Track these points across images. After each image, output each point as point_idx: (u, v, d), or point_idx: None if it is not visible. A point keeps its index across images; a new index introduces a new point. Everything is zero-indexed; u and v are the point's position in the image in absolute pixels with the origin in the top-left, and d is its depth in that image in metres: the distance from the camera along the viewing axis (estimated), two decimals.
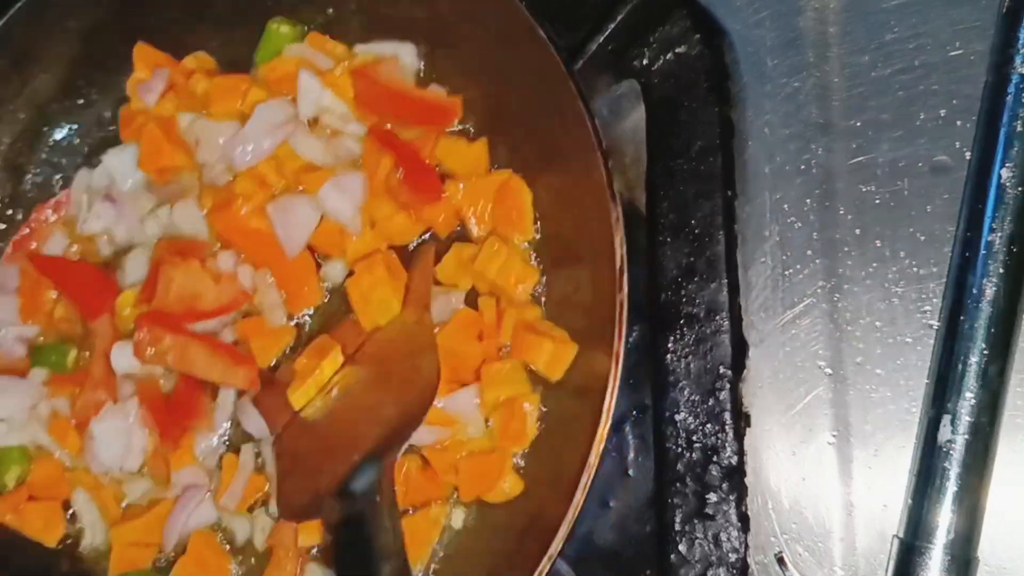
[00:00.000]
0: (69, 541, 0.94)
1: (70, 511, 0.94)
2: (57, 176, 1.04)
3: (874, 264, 0.87)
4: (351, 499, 0.80)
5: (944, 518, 0.73)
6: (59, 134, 1.04)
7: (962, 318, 0.75)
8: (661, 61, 0.93)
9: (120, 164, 1.00)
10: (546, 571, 0.75)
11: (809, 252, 0.89)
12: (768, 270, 0.90)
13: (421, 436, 0.88)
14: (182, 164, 0.98)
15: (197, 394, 0.93)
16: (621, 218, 0.78)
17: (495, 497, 0.87)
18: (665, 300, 0.88)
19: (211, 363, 0.92)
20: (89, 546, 0.94)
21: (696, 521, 0.84)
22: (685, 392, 0.86)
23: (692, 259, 0.88)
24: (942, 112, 0.87)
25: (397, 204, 0.93)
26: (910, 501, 0.76)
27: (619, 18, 0.91)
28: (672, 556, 0.84)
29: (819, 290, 0.88)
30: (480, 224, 0.93)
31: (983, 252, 0.75)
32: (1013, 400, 0.79)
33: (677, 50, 0.93)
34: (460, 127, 0.97)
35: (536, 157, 0.92)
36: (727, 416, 0.85)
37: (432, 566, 0.89)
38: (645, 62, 0.93)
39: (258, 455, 0.93)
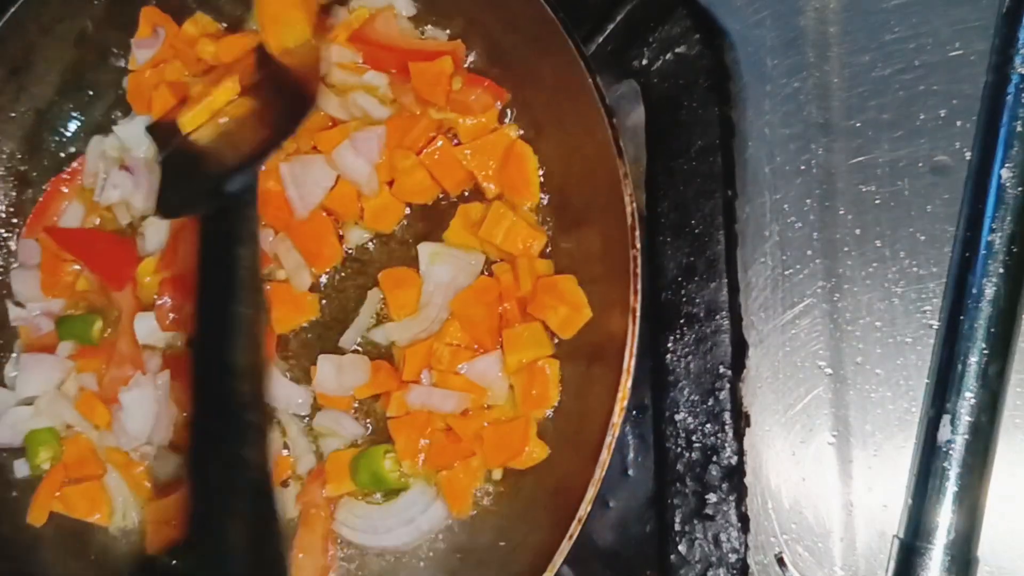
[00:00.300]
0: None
1: None
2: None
3: (874, 264, 0.87)
4: (223, 197, 0.85)
5: (944, 518, 0.73)
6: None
7: (962, 318, 0.75)
8: (661, 61, 0.93)
9: (132, 132, 1.00)
10: (576, 535, 0.75)
11: (809, 252, 0.89)
12: (768, 270, 0.90)
13: (444, 402, 0.88)
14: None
15: None
16: (629, 174, 0.78)
17: (520, 463, 0.86)
18: (665, 300, 0.88)
19: None
20: (120, 526, 0.95)
21: (696, 521, 0.84)
22: (685, 392, 0.86)
23: (692, 259, 0.88)
24: (942, 112, 0.87)
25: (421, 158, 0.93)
26: (910, 501, 0.76)
27: (619, 18, 0.91)
28: (672, 556, 0.84)
29: (819, 290, 0.88)
30: (490, 184, 0.93)
31: (983, 252, 0.75)
32: (1013, 400, 0.79)
33: (677, 50, 0.92)
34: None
35: (539, 113, 0.92)
36: (727, 416, 0.85)
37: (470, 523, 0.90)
38: (645, 62, 0.93)
39: (283, 434, 0.94)
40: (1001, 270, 0.74)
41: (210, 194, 0.86)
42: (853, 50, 0.91)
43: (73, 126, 1.04)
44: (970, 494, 0.73)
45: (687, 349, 0.87)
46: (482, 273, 0.92)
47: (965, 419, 0.73)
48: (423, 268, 0.92)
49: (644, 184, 0.92)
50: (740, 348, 0.87)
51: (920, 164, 0.87)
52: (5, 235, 1.03)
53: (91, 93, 1.04)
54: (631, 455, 0.91)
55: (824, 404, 0.86)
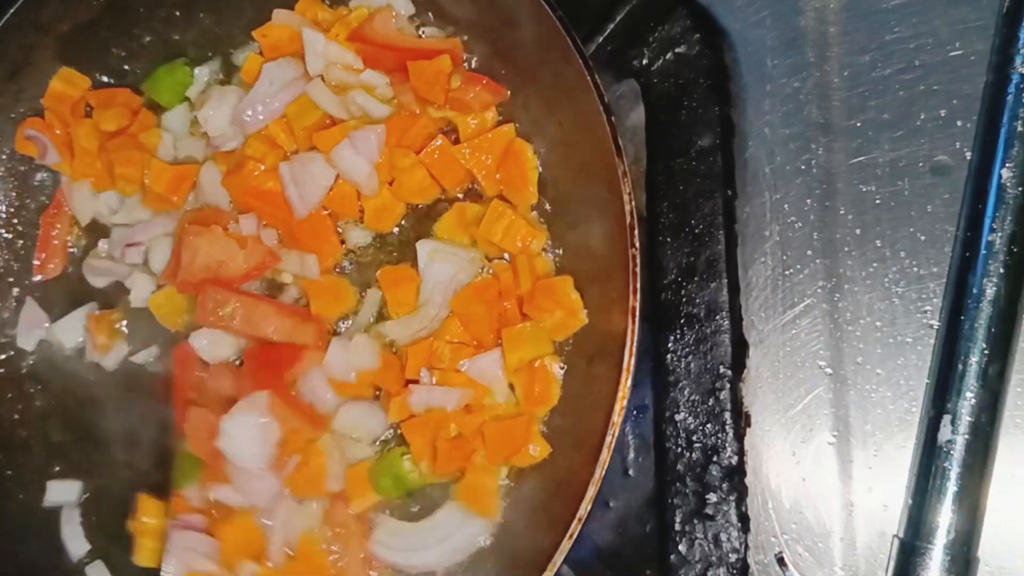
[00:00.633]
0: None
1: None
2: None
3: (874, 264, 0.87)
4: None
5: (944, 518, 0.73)
6: None
7: (962, 318, 0.75)
8: (661, 61, 0.93)
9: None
10: (576, 534, 0.75)
11: (809, 252, 0.89)
12: (768, 270, 0.90)
13: (446, 399, 0.88)
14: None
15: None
16: (628, 173, 0.78)
17: (523, 461, 0.87)
18: (665, 300, 0.88)
19: (280, 322, 0.90)
20: None
21: (696, 521, 0.84)
22: (685, 392, 0.86)
23: (692, 259, 0.88)
24: (942, 112, 0.87)
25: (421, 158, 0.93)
26: (910, 501, 0.75)
27: (619, 18, 0.91)
28: (672, 556, 0.84)
29: (819, 290, 0.88)
30: (488, 182, 0.93)
31: (983, 252, 0.74)
32: (1013, 400, 0.80)
33: (677, 50, 0.92)
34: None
35: (538, 112, 0.92)
36: (727, 416, 0.85)
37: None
38: (645, 62, 0.93)
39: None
40: (1001, 270, 0.74)
41: None
42: (853, 50, 0.91)
43: None
44: (970, 494, 0.73)
45: (687, 349, 0.87)
46: (482, 271, 0.92)
47: (965, 419, 0.73)
48: (422, 266, 0.92)
49: (644, 184, 0.92)
50: (740, 348, 0.87)
51: (920, 164, 0.87)
52: (6, 235, 1.03)
53: None
54: (631, 455, 0.91)
55: (824, 404, 0.86)
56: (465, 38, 0.96)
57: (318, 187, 0.94)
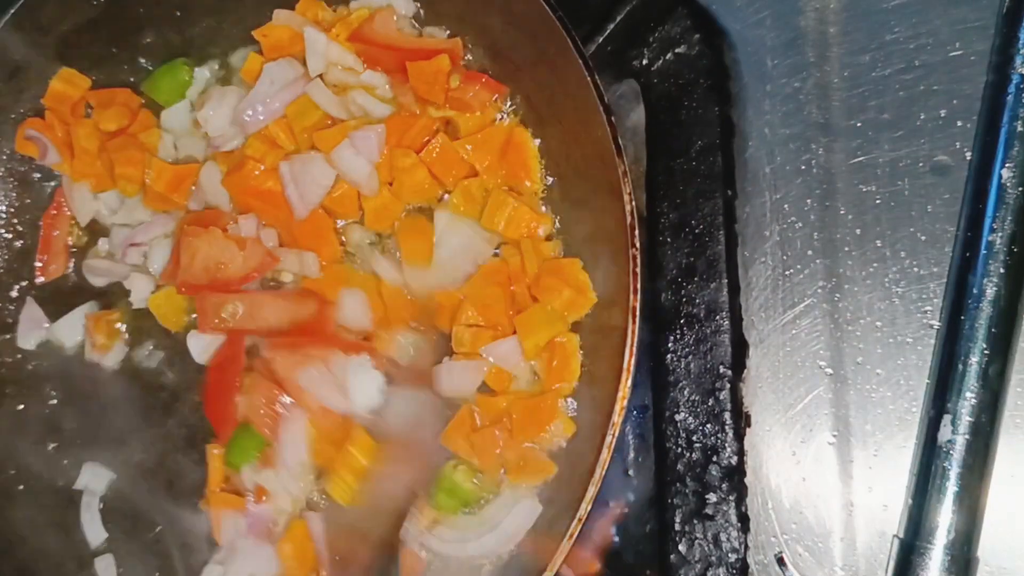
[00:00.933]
0: None
1: None
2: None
3: (874, 264, 0.87)
4: None
5: (944, 518, 0.73)
6: None
7: (962, 318, 0.75)
8: (661, 61, 0.93)
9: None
10: (576, 534, 0.75)
11: (809, 252, 0.89)
12: (768, 270, 0.90)
13: (465, 376, 0.88)
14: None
15: None
16: (628, 172, 0.78)
17: (546, 441, 0.86)
18: (665, 300, 0.88)
19: (281, 307, 0.91)
20: None
21: (696, 521, 0.84)
22: (685, 392, 0.86)
23: (692, 259, 0.88)
24: (942, 112, 0.87)
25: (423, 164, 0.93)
26: (910, 501, 0.76)
27: (619, 18, 0.91)
28: (672, 556, 0.84)
29: (819, 290, 0.88)
30: (491, 176, 0.93)
31: (984, 252, 0.75)
32: (1013, 400, 0.79)
33: (677, 50, 0.92)
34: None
35: (538, 111, 0.92)
36: (727, 416, 0.85)
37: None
38: (645, 62, 0.93)
39: None
40: (1002, 270, 0.74)
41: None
42: (853, 50, 0.91)
43: None
44: (970, 494, 0.73)
45: (687, 349, 0.87)
46: (497, 249, 0.92)
47: (965, 419, 0.73)
48: (438, 234, 0.92)
49: (644, 184, 0.92)
50: (740, 348, 0.87)
51: (920, 164, 0.87)
52: (6, 235, 1.03)
53: None
54: (631, 455, 0.91)
55: (824, 404, 0.86)
56: (465, 38, 0.96)
57: (318, 187, 0.94)
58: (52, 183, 1.04)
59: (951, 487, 0.73)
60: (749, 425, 0.87)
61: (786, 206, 0.90)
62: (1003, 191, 0.75)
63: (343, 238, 0.96)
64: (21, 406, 1.01)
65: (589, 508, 0.75)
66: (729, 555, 0.83)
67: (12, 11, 0.94)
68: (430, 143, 0.92)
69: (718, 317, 0.87)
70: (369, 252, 0.95)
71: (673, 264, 0.89)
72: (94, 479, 0.98)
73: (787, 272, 0.89)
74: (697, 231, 0.89)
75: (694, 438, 0.85)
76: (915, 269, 0.86)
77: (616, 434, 0.75)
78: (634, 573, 0.88)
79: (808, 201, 0.90)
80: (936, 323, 0.84)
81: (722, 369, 0.86)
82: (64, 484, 0.98)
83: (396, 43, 0.95)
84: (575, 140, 0.87)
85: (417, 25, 0.98)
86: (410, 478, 0.89)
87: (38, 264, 1.03)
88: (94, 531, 0.96)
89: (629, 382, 0.75)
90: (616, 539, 0.91)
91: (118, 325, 1.00)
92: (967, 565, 0.73)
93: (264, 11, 0.99)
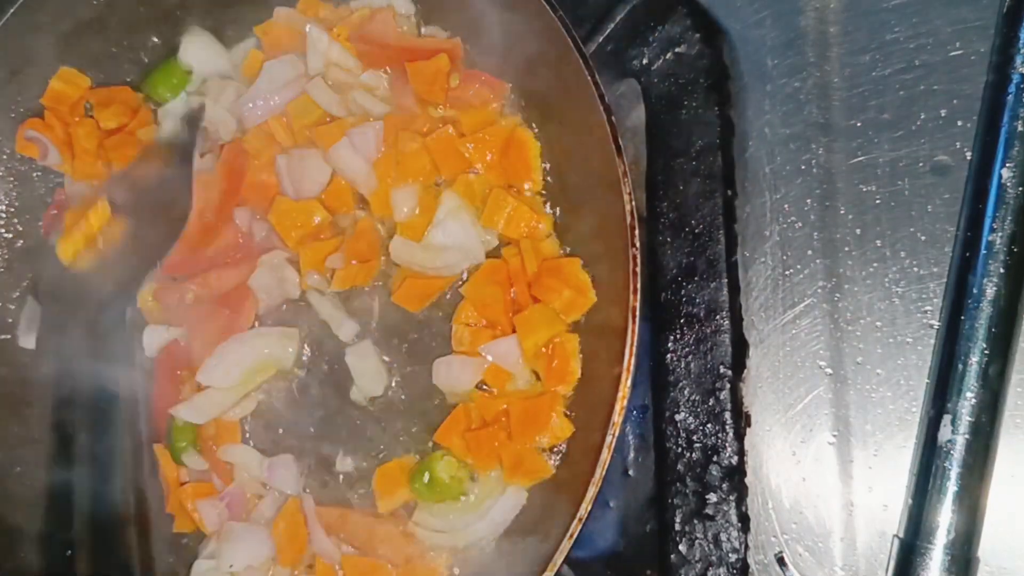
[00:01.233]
0: None
1: None
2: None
3: (874, 264, 0.87)
4: (100, 329, 0.90)
5: (944, 518, 0.73)
6: None
7: (962, 318, 0.75)
8: (661, 61, 0.93)
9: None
10: (576, 534, 0.75)
11: (809, 252, 0.89)
12: (768, 270, 0.90)
13: (464, 371, 0.88)
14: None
15: None
16: (628, 172, 0.78)
17: (545, 441, 0.86)
18: (665, 300, 0.88)
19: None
20: None
21: (696, 521, 0.84)
22: (685, 392, 0.86)
23: (692, 259, 0.88)
24: (942, 112, 0.87)
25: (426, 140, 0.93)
26: (910, 501, 0.76)
27: (619, 18, 0.91)
28: (672, 556, 0.84)
29: (819, 290, 0.88)
30: (492, 175, 0.93)
31: (984, 252, 0.75)
32: (1013, 400, 0.79)
33: (677, 50, 0.92)
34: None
35: (539, 111, 0.92)
36: (727, 416, 0.85)
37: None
38: (645, 62, 0.93)
39: None
40: (1002, 270, 0.74)
41: (88, 327, 0.89)
42: (853, 50, 0.91)
43: None
44: (970, 494, 0.73)
45: (687, 349, 0.87)
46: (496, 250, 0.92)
47: (966, 419, 0.73)
48: (440, 215, 0.91)
49: (644, 184, 0.92)
50: (740, 348, 0.87)
51: (920, 164, 0.87)
52: (5, 235, 1.03)
53: None
54: (631, 455, 0.91)
55: (824, 404, 0.86)
56: (464, 38, 0.96)
57: (313, 183, 0.94)
58: (52, 183, 1.04)
59: (951, 487, 0.73)
60: (749, 425, 0.87)
61: (786, 206, 0.90)
62: (1003, 191, 0.75)
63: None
64: (22, 406, 1.01)
65: (589, 508, 0.75)
66: (729, 555, 0.83)
67: (12, 11, 0.94)
68: (436, 133, 0.92)
69: (718, 317, 0.87)
70: None
71: (673, 264, 0.89)
72: None
73: (787, 272, 0.89)
74: (697, 231, 0.89)
75: (694, 438, 0.85)
76: (915, 269, 0.86)
77: (616, 434, 0.75)
78: (634, 573, 0.88)
79: (808, 201, 0.90)
80: (936, 323, 0.84)
81: (722, 369, 0.86)
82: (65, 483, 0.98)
83: (396, 42, 0.96)
84: (575, 140, 0.87)
85: (416, 25, 0.98)
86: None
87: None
88: None
89: (629, 382, 0.75)
90: (616, 539, 0.91)
91: None
92: (967, 565, 0.73)
93: (264, 10, 0.99)
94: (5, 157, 1.02)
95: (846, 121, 0.90)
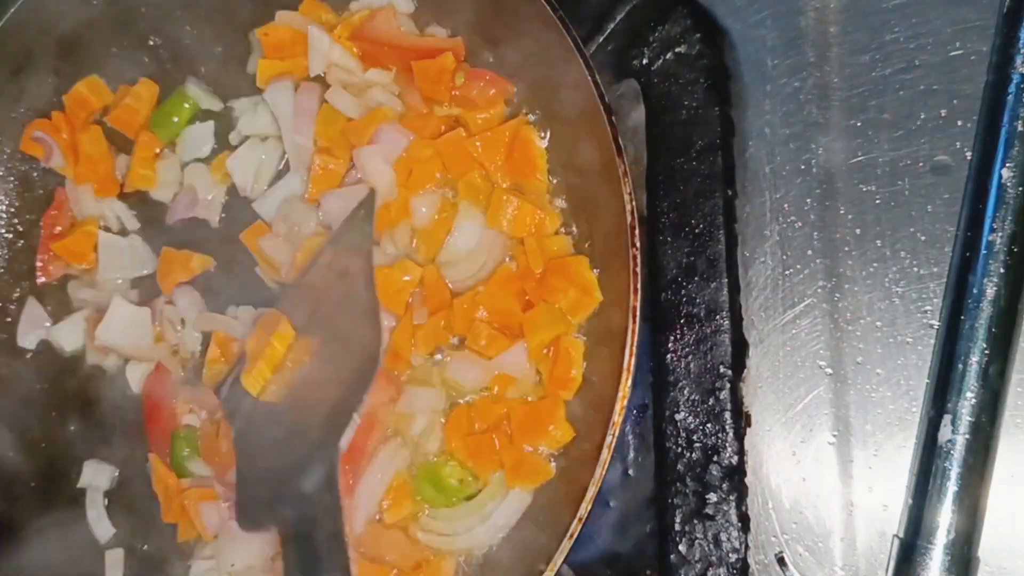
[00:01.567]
0: None
1: None
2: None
3: (874, 264, 0.87)
4: (303, 501, 0.78)
5: (944, 518, 0.73)
6: None
7: (963, 318, 0.75)
8: (661, 61, 0.93)
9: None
10: (576, 534, 0.75)
11: (809, 252, 0.89)
12: (768, 270, 0.90)
13: (468, 373, 0.88)
14: None
15: None
16: (628, 172, 0.78)
17: (546, 445, 0.86)
18: (665, 300, 0.88)
19: None
20: None
21: (696, 521, 0.84)
22: (685, 392, 0.86)
23: (692, 259, 0.88)
24: (942, 112, 0.87)
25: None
26: (910, 501, 0.76)
27: (619, 18, 0.91)
28: (672, 556, 0.84)
29: (819, 290, 0.88)
30: (501, 175, 0.93)
31: (984, 252, 0.75)
32: (1013, 400, 0.79)
33: (677, 50, 0.92)
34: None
35: (539, 111, 0.92)
36: (727, 416, 0.85)
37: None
38: (645, 62, 0.93)
39: None
40: (1002, 270, 0.74)
41: (291, 499, 0.79)
42: (853, 50, 0.91)
43: None
44: (970, 494, 0.73)
45: (687, 349, 0.87)
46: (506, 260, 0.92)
47: (966, 419, 0.73)
48: (458, 221, 0.92)
49: (644, 184, 0.92)
50: (740, 348, 0.87)
51: (920, 164, 0.87)
52: (6, 235, 1.03)
53: None
54: (631, 455, 0.91)
55: (824, 404, 0.86)
56: (466, 37, 0.96)
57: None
58: (53, 183, 1.04)
59: (951, 487, 0.73)
60: (749, 425, 0.87)
61: (786, 206, 0.90)
62: (1003, 191, 0.75)
63: None
64: (23, 406, 1.01)
65: (589, 508, 0.75)
66: (729, 555, 0.83)
67: (12, 10, 0.94)
68: (447, 135, 0.93)
69: (718, 317, 0.87)
70: None
71: (673, 264, 0.89)
72: (96, 476, 0.98)
73: (787, 272, 0.89)
74: (697, 231, 0.89)
75: (694, 438, 0.85)
76: (915, 269, 0.86)
77: (616, 434, 0.75)
78: (634, 573, 0.88)
79: (808, 201, 0.90)
80: (936, 323, 0.84)
81: (722, 369, 0.86)
82: (67, 483, 0.98)
83: (399, 42, 0.96)
84: (575, 140, 0.87)
85: (417, 25, 0.99)
86: (340, 380, 0.84)
87: (38, 264, 1.03)
88: (102, 527, 0.97)
89: (629, 382, 0.75)
90: (616, 539, 0.91)
91: None
92: (967, 565, 0.73)
93: (264, 10, 0.99)
94: (5, 157, 1.02)
95: (846, 121, 0.90)
